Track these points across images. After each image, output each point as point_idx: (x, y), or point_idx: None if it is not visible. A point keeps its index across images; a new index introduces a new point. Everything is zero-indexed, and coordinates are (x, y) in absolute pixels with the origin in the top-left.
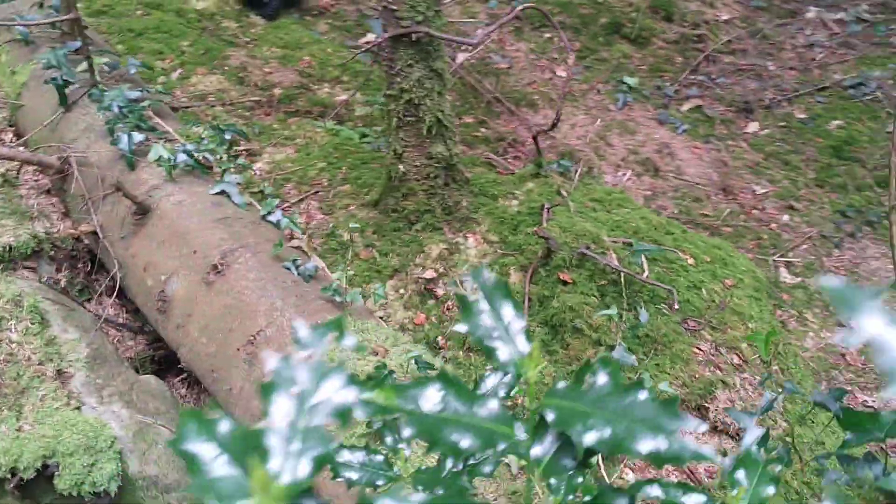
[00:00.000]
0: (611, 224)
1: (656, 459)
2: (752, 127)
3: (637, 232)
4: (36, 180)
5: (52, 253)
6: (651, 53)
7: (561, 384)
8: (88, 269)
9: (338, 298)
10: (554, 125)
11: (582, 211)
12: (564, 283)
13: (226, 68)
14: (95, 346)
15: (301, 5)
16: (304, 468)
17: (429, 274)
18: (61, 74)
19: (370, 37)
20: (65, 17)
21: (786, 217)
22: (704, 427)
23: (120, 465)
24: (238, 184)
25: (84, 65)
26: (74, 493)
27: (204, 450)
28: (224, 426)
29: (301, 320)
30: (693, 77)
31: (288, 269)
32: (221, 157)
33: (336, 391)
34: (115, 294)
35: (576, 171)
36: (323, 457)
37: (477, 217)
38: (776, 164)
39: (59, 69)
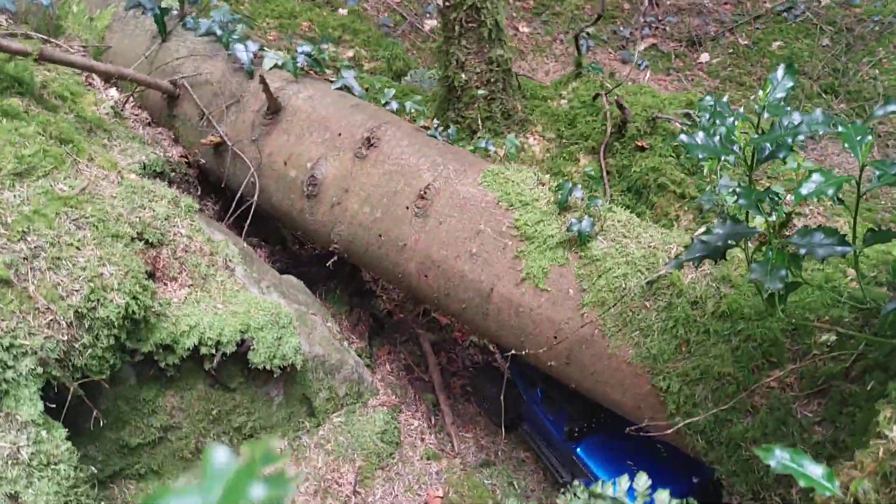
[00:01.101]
0: (664, 100)
1: None
2: (704, 57)
3: (690, 104)
4: (136, 114)
5: (172, 175)
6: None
7: None
8: (199, 193)
9: (491, 148)
10: (598, 18)
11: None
12: (642, 149)
13: None
14: (242, 247)
15: None
16: None
17: None
18: (157, 4)
19: (342, 12)
20: None
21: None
22: None
23: (299, 340)
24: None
25: (166, 1)
26: (267, 367)
27: None
28: None
29: (465, 170)
30: (643, 20)
31: (433, 135)
32: (326, 61)
33: None
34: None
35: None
36: None
37: (532, 118)
38: (733, 86)
39: (150, 3)
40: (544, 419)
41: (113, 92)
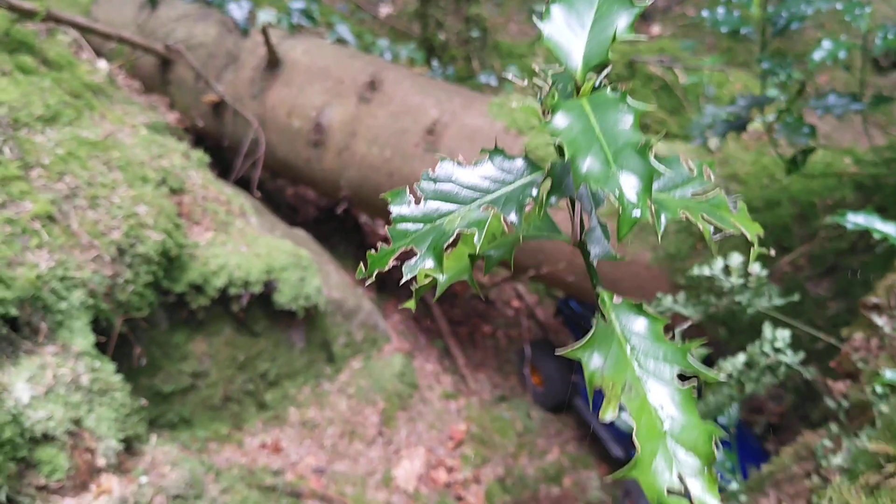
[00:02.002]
0: (639, 47)
1: None
2: (655, 29)
3: (663, 49)
4: (128, 84)
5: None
6: None
7: None
8: None
9: (493, 83)
10: None
11: None
12: None
13: None
14: (252, 201)
15: None
16: None
17: None
18: None
19: None
20: None
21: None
22: None
23: (321, 281)
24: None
25: None
26: (293, 307)
27: None
28: None
29: (470, 104)
30: None
31: (432, 76)
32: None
33: None
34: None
35: None
36: None
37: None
38: (688, 55)
39: None
40: None
41: (103, 63)
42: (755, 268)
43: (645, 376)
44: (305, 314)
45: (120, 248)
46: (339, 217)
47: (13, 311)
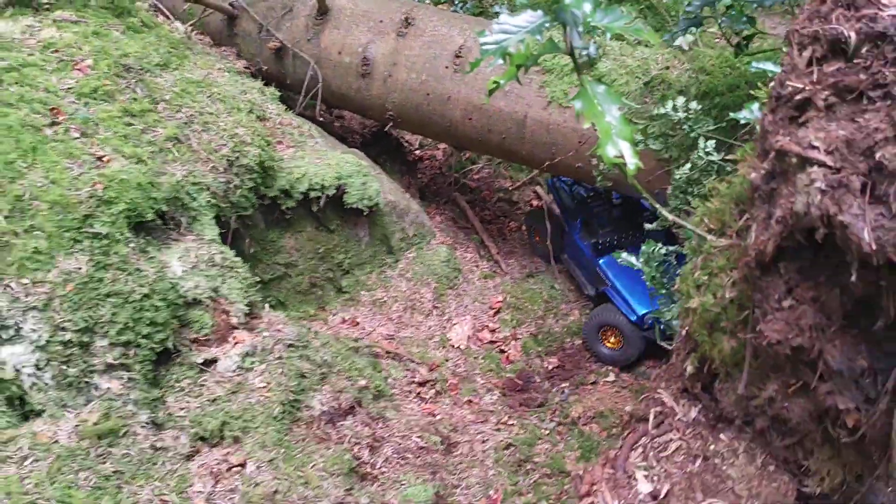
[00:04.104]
0: None
1: None
2: None
3: None
4: (200, 39)
5: None
6: None
7: None
8: None
9: (506, 12)
10: None
11: None
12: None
13: None
14: (316, 127)
15: None
16: None
17: None
18: None
19: None
20: None
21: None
22: None
23: (379, 185)
24: None
25: None
26: (359, 206)
27: None
28: None
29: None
30: None
31: (456, 10)
32: None
33: None
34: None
35: None
36: None
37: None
38: None
39: None
40: (580, 244)
41: (179, 24)
42: (693, 104)
43: (603, 111)
44: (369, 212)
45: (229, 161)
46: (384, 141)
47: (164, 208)
